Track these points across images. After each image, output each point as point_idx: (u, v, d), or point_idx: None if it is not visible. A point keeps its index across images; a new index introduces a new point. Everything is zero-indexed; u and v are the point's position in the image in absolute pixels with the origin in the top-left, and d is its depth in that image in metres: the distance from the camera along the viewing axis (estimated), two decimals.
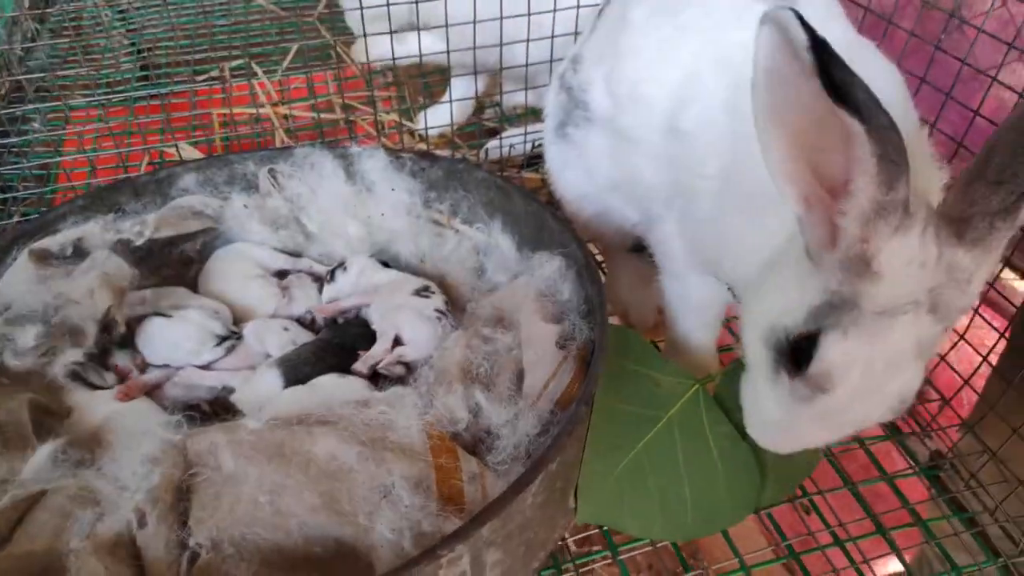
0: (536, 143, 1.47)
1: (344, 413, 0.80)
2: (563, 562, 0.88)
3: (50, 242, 1.01)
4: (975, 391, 1.07)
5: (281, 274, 1.15)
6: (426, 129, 1.38)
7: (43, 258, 0.99)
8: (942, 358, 1.08)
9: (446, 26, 1.23)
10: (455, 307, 1.06)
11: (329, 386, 0.93)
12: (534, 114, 1.59)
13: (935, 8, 1.09)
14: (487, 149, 1.52)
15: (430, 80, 1.73)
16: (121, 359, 0.96)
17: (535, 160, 1.50)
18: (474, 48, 1.24)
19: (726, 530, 0.91)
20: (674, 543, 0.92)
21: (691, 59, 0.87)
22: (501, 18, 1.21)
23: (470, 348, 0.88)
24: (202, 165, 1.15)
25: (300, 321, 1.09)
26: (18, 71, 1.49)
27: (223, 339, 1.00)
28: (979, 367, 1.02)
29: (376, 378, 0.97)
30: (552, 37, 1.26)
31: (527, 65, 1.29)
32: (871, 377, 0.66)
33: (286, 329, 1.03)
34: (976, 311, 1.04)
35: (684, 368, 0.96)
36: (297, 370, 0.95)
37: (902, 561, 0.92)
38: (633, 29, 0.95)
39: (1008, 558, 0.94)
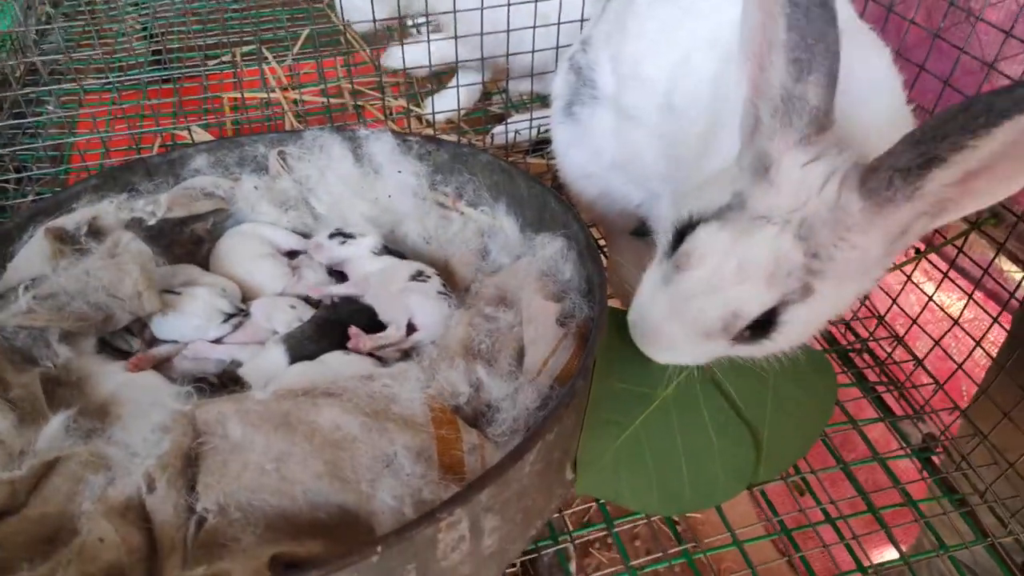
0: (542, 129, 1.49)
1: (348, 386, 0.82)
2: (560, 534, 0.90)
3: (66, 220, 1.03)
4: (974, 381, 1.09)
5: (291, 254, 1.18)
6: (433, 114, 1.40)
7: (59, 237, 1.02)
8: (937, 343, 1.10)
9: (454, 11, 1.24)
10: (458, 288, 1.08)
11: (336, 363, 0.96)
12: (540, 101, 1.60)
13: None
14: (493, 134, 1.54)
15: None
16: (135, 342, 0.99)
17: (540, 146, 1.52)
18: (481, 34, 1.25)
19: (719, 506, 0.93)
20: (668, 517, 0.95)
21: (688, 40, 0.90)
22: (509, 4, 1.23)
23: (472, 326, 0.90)
24: (213, 147, 1.17)
25: (308, 300, 1.11)
26: (33, 53, 1.52)
27: (230, 316, 1.03)
28: (972, 351, 1.04)
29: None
30: (559, 24, 1.27)
31: (532, 52, 1.31)
32: (721, 272, 0.69)
33: (293, 307, 1.05)
34: (971, 297, 1.05)
35: None
36: (302, 346, 0.98)
37: (892, 541, 0.94)
38: (638, 11, 0.99)
39: (996, 538, 0.96)
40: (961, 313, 1.06)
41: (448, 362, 0.86)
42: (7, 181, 1.38)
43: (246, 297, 1.09)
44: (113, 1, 1.90)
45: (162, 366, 0.98)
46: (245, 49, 1.67)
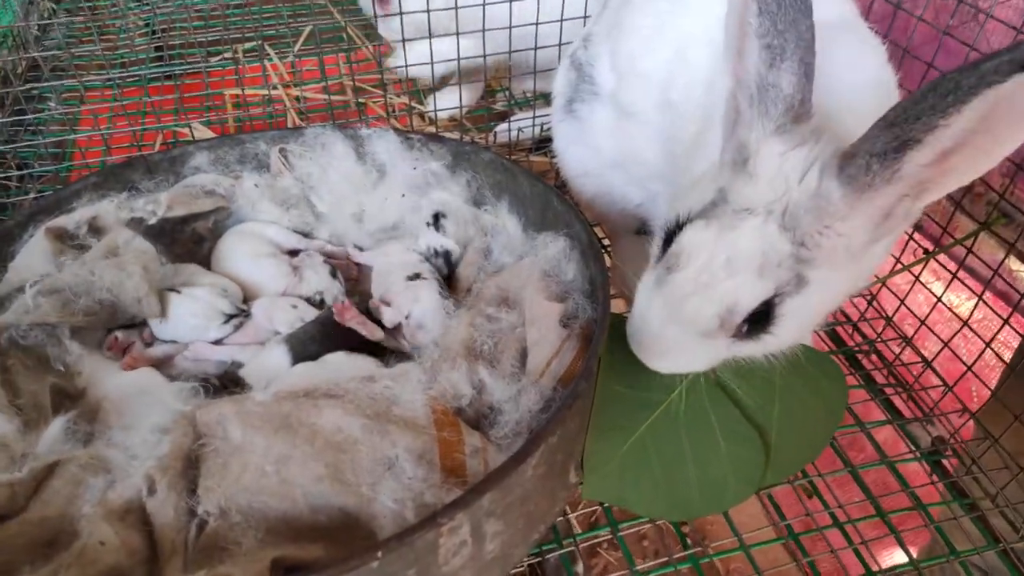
0: (545, 127, 1.47)
1: (350, 387, 0.81)
2: (565, 537, 0.89)
3: (66, 220, 1.02)
4: (984, 383, 1.07)
5: (292, 253, 1.17)
6: (435, 111, 1.39)
7: (59, 236, 1.01)
8: (946, 344, 1.08)
9: (455, 8, 1.23)
10: (461, 289, 1.07)
11: (338, 363, 0.95)
12: (543, 99, 1.59)
13: None
14: (496, 132, 1.53)
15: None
16: (122, 332, 0.98)
17: (543, 144, 1.50)
18: (483, 31, 1.24)
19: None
20: (674, 522, 0.94)
21: (683, 36, 0.90)
22: (511, 0, 1.22)
23: (474, 326, 0.89)
24: (214, 144, 1.16)
25: (309, 300, 1.10)
26: (34, 49, 1.51)
27: (230, 317, 1.02)
28: (982, 353, 1.02)
29: (383, 355, 0.98)
30: (561, 20, 1.26)
31: (535, 48, 1.30)
32: (711, 269, 0.70)
33: (294, 307, 1.04)
34: (980, 297, 1.04)
35: None
36: (305, 347, 0.97)
37: (902, 545, 0.92)
38: (635, 7, 0.98)
39: (1008, 543, 0.95)
40: (971, 314, 1.05)
41: (450, 363, 0.85)
42: (8, 178, 1.38)
43: (248, 296, 1.09)
44: None
45: (163, 366, 0.97)
46: (247, 46, 1.66)
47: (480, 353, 0.88)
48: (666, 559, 0.88)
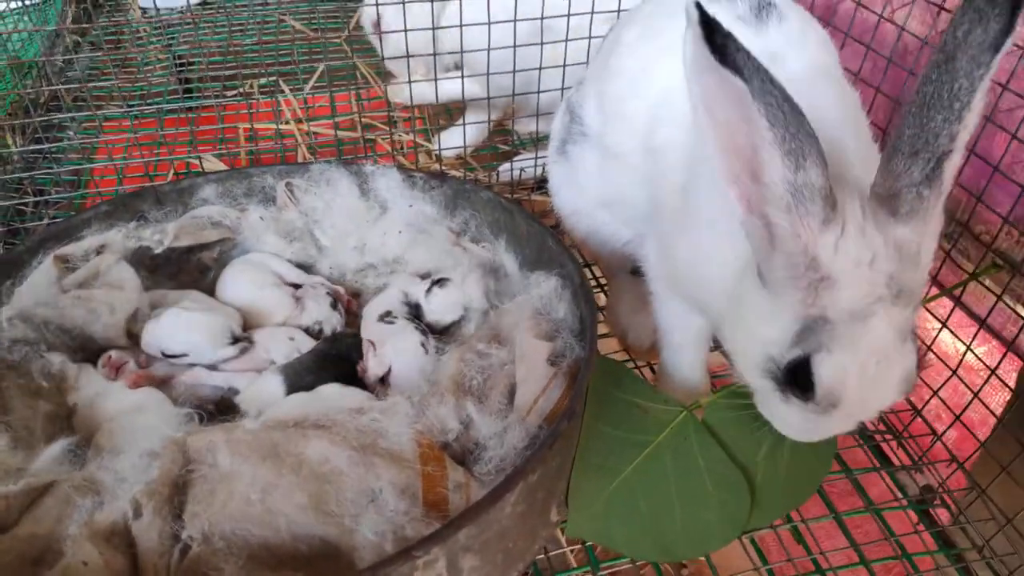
0: (546, 167, 1.50)
1: (338, 419, 0.83)
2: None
3: (74, 248, 1.06)
4: (972, 433, 1.07)
5: (294, 286, 1.19)
6: (439, 150, 1.43)
7: (66, 264, 1.04)
8: (935, 392, 1.09)
9: (461, 52, 1.27)
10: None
11: (332, 395, 0.96)
12: (546, 140, 1.62)
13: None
14: (499, 171, 1.56)
15: (451, 105, 1.78)
16: (116, 352, 1.00)
17: (544, 183, 1.53)
18: (487, 74, 1.28)
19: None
20: (656, 564, 0.94)
21: (666, 80, 0.91)
22: (515, 46, 1.25)
23: (464, 362, 0.91)
24: (223, 177, 1.20)
25: (308, 331, 1.13)
26: (57, 81, 1.56)
27: (236, 340, 1.03)
28: (970, 403, 1.03)
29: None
30: (564, 66, 1.30)
31: (539, 92, 1.33)
32: (869, 378, 0.70)
33: (292, 338, 1.06)
34: (968, 347, 1.05)
35: (674, 395, 1.00)
36: (300, 377, 0.99)
37: None
38: (622, 50, 1.00)
39: None
40: (960, 361, 1.05)
41: (438, 398, 0.86)
42: (25, 204, 1.42)
43: (248, 325, 1.11)
44: (139, 33, 1.96)
45: (162, 387, 0.99)
46: (262, 81, 1.71)
47: (469, 389, 0.89)
48: None
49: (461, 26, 1.25)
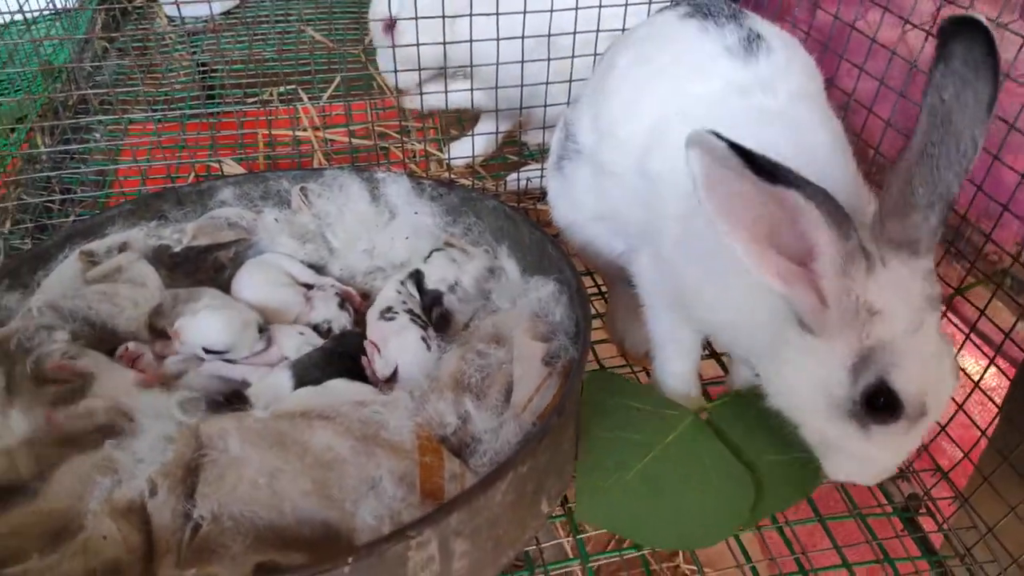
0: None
1: (342, 410, 0.87)
2: (536, 566, 0.94)
3: (98, 245, 1.12)
4: (956, 444, 1.10)
5: (306, 286, 1.24)
6: (449, 159, 1.48)
7: (91, 258, 1.10)
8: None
9: (470, 66, 1.32)
10: (459, 326, 1.13)
11: (337, 389, 1.01)
12: None
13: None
14: (506, 181, 1.61)
15: (463, 115, 1.84)
16: (133, 343, 1.05)
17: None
18: (496, 88, 1.33)
19: (695, 551, 0.96)
20: (645, 563, 0.97)
21: (660, 104, 0.95)
22: (523, 62, 1.30)
23: (464, 360, 0.95)
24: (241, 180, 1.26)
25: (317, 329, 1.17)
26: (85, 86, 1.63)
27: (262, 331, 1.08)
28: (953, 417, 1.05)
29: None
30: (570, 81, 1.35)
31: (545, 106, 1.38)
32: (937, 375, 0.77)
33: (301, 333, 1.11)
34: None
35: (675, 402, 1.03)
36: (308, 372, 1.04)
37: None
38: (616, 72, 1.03)
39: None
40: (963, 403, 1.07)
41: (438, 393, 0.91)
42: (52, 202, 1.48)
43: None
44: (166, 39, 2.03)
45: (174, 381, 1.04)
46: (281, 89, 1.77)
47: (468, 386, 0.93)
48: None
49: (471, 41, 1.30)
